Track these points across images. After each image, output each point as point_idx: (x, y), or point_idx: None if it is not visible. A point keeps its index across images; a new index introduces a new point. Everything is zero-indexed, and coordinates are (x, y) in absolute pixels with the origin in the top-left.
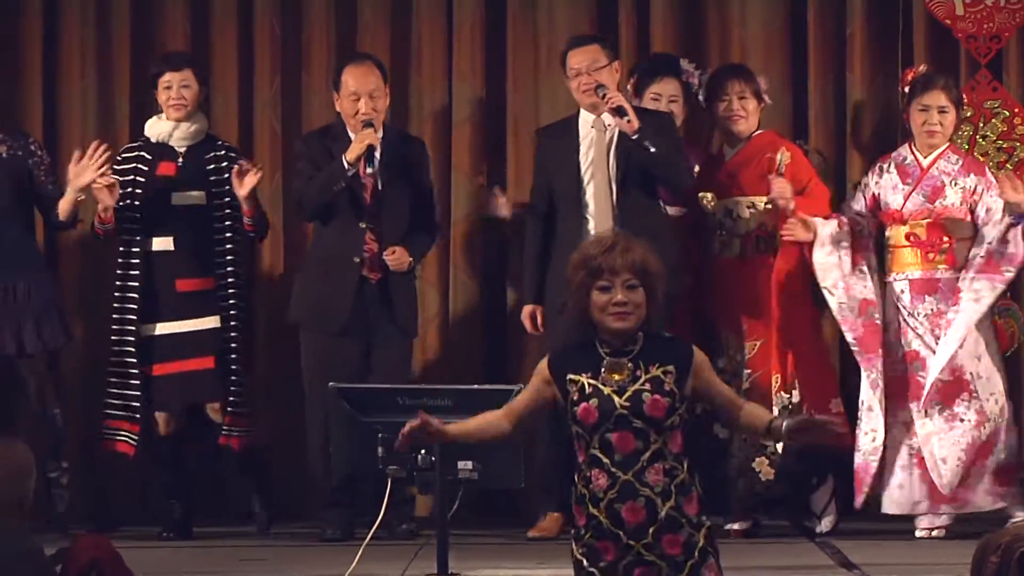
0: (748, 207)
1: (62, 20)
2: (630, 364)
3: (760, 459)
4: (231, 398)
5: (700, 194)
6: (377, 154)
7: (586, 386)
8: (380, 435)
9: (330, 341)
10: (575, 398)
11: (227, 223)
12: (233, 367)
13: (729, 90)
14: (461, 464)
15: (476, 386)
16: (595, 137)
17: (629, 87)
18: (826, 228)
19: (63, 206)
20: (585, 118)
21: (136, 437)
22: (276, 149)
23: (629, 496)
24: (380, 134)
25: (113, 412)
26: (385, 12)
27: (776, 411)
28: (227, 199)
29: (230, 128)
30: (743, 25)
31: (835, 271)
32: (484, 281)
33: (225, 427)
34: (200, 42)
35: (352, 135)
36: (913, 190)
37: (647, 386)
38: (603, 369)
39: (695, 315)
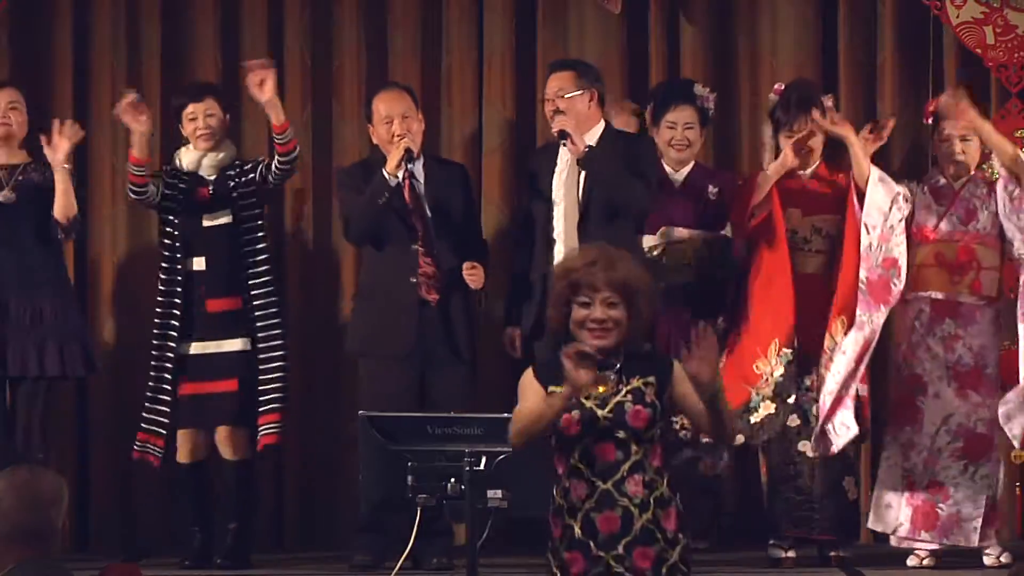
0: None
1: (93, 48)
2: (613, 376)
3: (848, 478)
4: (267, 396)
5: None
6: (415, 159)
7: None
8: (410, 463)
9: (389, 367)
10: None
11: (257, 245)
12: (263, 387)
13: (795, 128)
14: (491, 493)
15: (506, 414)
16: (569, 161)
17: (646, 114)
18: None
19: (57, 201)
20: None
21: (161, 451)
22: (307, 178)
23: (606, 505)
24: (420, 159)
25: (145, 426)
26: (416, 41)
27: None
28: (256, 220)
29: (261, 156)
30: (773, 54)
31: (879, 216)
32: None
33: (260, 427)
34: (231, 71)
35: None
36: (947, 211)
37: (628, 397)
38: None
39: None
